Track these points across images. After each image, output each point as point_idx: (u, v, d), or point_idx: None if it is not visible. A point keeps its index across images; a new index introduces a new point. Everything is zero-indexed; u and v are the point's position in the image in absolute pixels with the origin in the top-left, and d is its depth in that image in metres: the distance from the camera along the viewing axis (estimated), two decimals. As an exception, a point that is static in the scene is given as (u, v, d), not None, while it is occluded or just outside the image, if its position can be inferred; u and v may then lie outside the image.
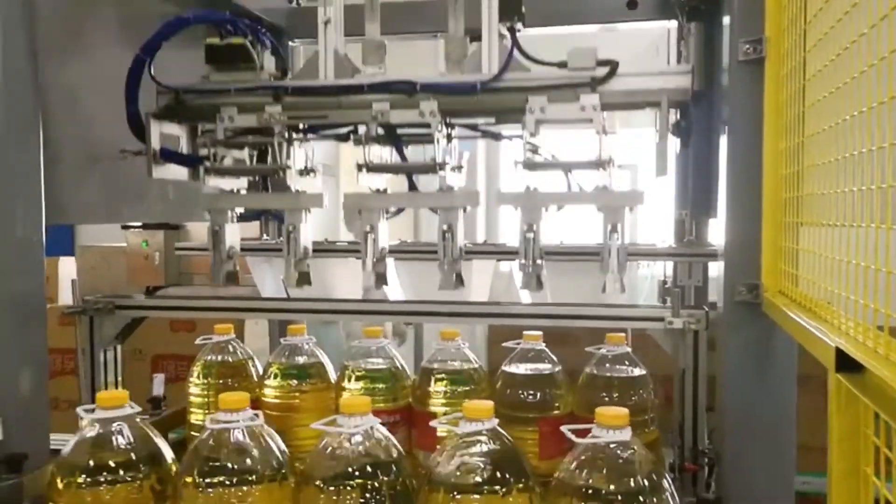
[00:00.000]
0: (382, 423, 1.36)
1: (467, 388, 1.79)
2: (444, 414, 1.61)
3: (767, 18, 1.41)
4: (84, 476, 1.27)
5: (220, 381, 1.92)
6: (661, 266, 2.51)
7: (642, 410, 1.74)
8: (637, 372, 1.77)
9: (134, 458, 1.30)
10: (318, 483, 1.22)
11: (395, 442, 1.31)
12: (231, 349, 1.98)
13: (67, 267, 3.74)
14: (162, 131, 1.92)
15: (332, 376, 1.91)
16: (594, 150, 1.76)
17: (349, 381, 1.86)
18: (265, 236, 2.68)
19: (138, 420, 1.35)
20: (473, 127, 2.02)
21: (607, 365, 1.77)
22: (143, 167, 2.22)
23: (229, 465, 1.25)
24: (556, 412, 1.72)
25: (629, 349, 1.76)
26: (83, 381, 1.93)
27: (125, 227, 2.40)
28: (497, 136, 2.02)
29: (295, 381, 1.87)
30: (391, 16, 2.03)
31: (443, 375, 1.80)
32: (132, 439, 1.31)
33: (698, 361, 1.66)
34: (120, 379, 1.98)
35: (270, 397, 1.86)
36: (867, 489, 0.86)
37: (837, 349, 0.89)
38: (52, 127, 1.84)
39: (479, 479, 1.20)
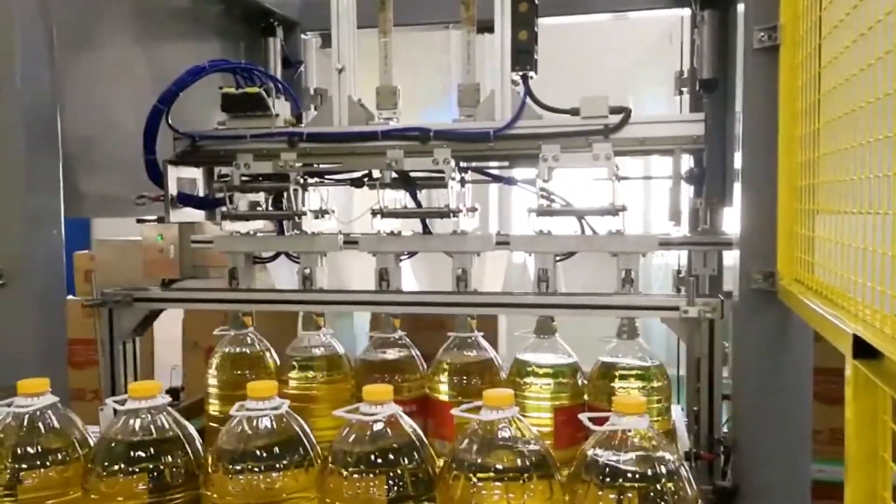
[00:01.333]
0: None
1: (482, 379, 1.81)
2: (460, 403, 1.63)
3: (782, 5, 1.41)
4: (120, 464, 1.31)
5: (239, 373, 1.94)
6: (676, 255, 2.50)
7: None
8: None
9: (167, 446, 1.34)
10: (342, 470, 1.26)
11: (417, 428, 1.33)
12: (249, 341, 2.00)
13: (83, 261, 3.77)
14: (179, 175, 1.98)
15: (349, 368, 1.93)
16: (607, 192, 1.81)
17: (364, 371, 1.87)
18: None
19: (169, 410, 1.39)
20: (486, 172, 2.08)
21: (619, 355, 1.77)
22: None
23: (258, 451, 1.29)
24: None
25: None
26: (103, 372, 1.95)
27: (140, 221, 2.41)
28: (510, 181, 2.06)
29: (312, 373, 1.89)
30: (403, 7, 2.04)
31: (458, 366, 1.82)
32: (164, 428, 1.35)
33: (714, 350, 1.66)
34: (139, 370, 2.01)
35: (289, 388, 1.88)
36: (885, 474, 0.87)
37: (855, 336, 0.89)
38: (69, 121, 1.86)
39: (499, 465, 1.22)
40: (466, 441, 1.26)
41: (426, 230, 1.97)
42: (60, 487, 1.34)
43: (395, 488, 1.25)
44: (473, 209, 1.95)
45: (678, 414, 2.11)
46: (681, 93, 2.41)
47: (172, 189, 1.95)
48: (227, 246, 2.01)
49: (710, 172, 2.28)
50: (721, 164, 2.31)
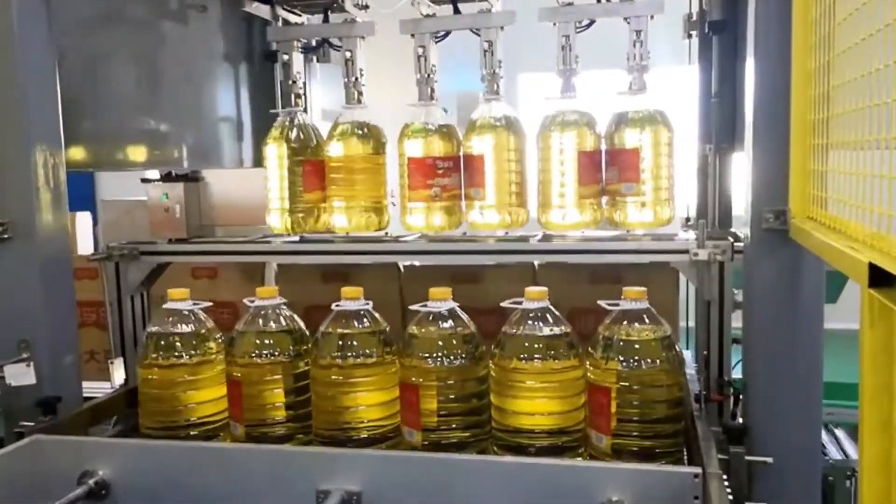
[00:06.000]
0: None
1: (510, 134, 1.97)
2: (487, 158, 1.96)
3: (796, -65, 1.37)
4: (252, 351, 1.77)
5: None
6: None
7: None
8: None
9: (282, 335, 1.80)
10: (420, 354, 1.65)
11: (470, 321, 1.70)
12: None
13: (86, 221, 3.74)
14: None
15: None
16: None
17: (410, 138, 2.02)
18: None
19: (284, 308, 1.82)
20: None
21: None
22: (159, 116, 2.23)
23: (352, 341, 1.71)
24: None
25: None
26: (111, 325, 1.96)
27: (145, 181, 2.39)
28: None
29: (355, 141, 2.07)
30: None
31: (485, 122, 1.98)
32: (282, 322, 1.82)
33: (724, 292, 1.65)
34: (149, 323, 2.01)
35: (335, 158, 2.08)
36: (900, 403, 0.86)
37: (870, 264, 0.88)
38: (70, 77, 1.84)
39: (538, 345, 1.61)
40: (510, 325, 1.65)
41: (456, 11, 2.09)
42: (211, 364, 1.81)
43: (457, 362, 1.64)
44: None
45: (688, 359, 2.11)
46: (689, 36, 2.37)
47: None
48: (279, 34, 2.17)
49: (721, 117, 2.26)
50: (731, 108, 2.28)
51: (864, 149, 1.04)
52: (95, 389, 2.04)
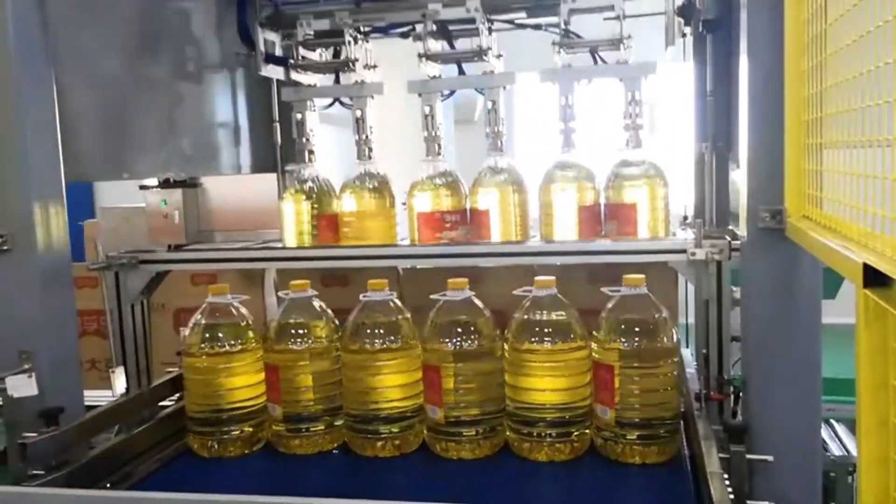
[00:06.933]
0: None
1: (513, 190, 2.04)
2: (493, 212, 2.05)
3: (786, -66, 1.37)
4: (289, 339, 1.91)
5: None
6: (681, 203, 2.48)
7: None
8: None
9: (315, 324, 1.93)
10: (441, 338, 1.81)
11: (484, 307, 1.85)
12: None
13: (92, 229, 3.75)
14: (264, 38, 2.32)
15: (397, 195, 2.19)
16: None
17: (420, 192, 2.10)
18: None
19: (315, 301, 1.95)
20: (513, 22, 2.29)
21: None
22: (156, 123, 2.24)
23: (377, 329, 1.87)
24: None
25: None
26: (112, 333, 1.96)
27: (143, 188, 2.40)
28: (536, 27, 2.26)
29: (366, 195, 2.14)
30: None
31: (490, 178, 2.08)
32: (315, 312, 1.95)
33: (722, 291, 1.66)
34: (149, 330, 2.02)
35: (347, 212, 2.14)
36: (896, 401, 0.86)
37: (865, 264, 0.89)
38: (66, 86, 1.84)
39: (548, 329, 1.76)
40: (522, 311, 1.80)
41: (461, 72, 2.20)
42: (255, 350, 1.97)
43: (474, 346, 1.80)
44: (499, 55, 2.16)
45: (688, 359, 2.11)
46: (683, 35, 2.37)
47: (261, 47, 2.27)
48: (291, 96, 2.24)
49: (716, 116, 2.26)
50: (726, 106, 2.29)
51: (857, 147, 1.05)
52: (97, 398, 2.05)
